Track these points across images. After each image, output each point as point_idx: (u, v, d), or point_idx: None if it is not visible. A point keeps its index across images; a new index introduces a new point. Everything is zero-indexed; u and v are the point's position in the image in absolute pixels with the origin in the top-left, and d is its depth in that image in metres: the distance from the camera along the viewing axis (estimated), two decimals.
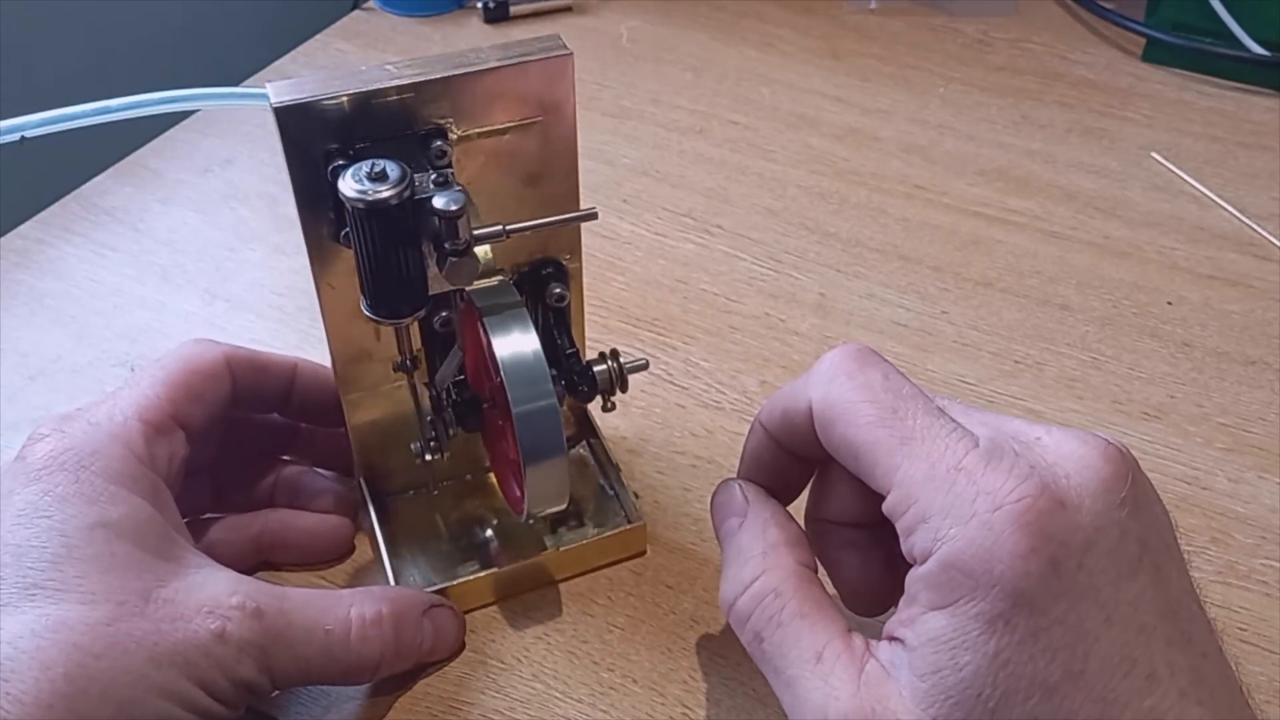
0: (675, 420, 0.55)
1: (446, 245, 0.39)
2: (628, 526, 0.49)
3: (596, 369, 0.45)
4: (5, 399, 0.56)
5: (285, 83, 0.39)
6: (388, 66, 0.40)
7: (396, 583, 0.46)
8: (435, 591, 0.45)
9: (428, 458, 0.46)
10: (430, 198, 0.39)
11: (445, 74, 0.40)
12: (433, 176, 0.40)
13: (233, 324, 0.60)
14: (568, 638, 0.46)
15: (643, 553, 0.49)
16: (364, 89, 0.39)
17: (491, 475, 0.51)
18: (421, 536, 0.49)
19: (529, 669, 0.45)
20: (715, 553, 0.49)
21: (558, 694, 0.44)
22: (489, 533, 0.50)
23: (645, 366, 0.46)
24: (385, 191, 0.38)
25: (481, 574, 0.47)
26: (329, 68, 0.79)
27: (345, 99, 0.39)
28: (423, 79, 0.40)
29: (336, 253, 0.42)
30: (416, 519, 0.50)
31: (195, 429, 0.44)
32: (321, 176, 0.40)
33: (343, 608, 0.41)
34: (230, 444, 0.48)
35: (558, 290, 0.45)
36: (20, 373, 0.58)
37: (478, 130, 0.42)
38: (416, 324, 0.43)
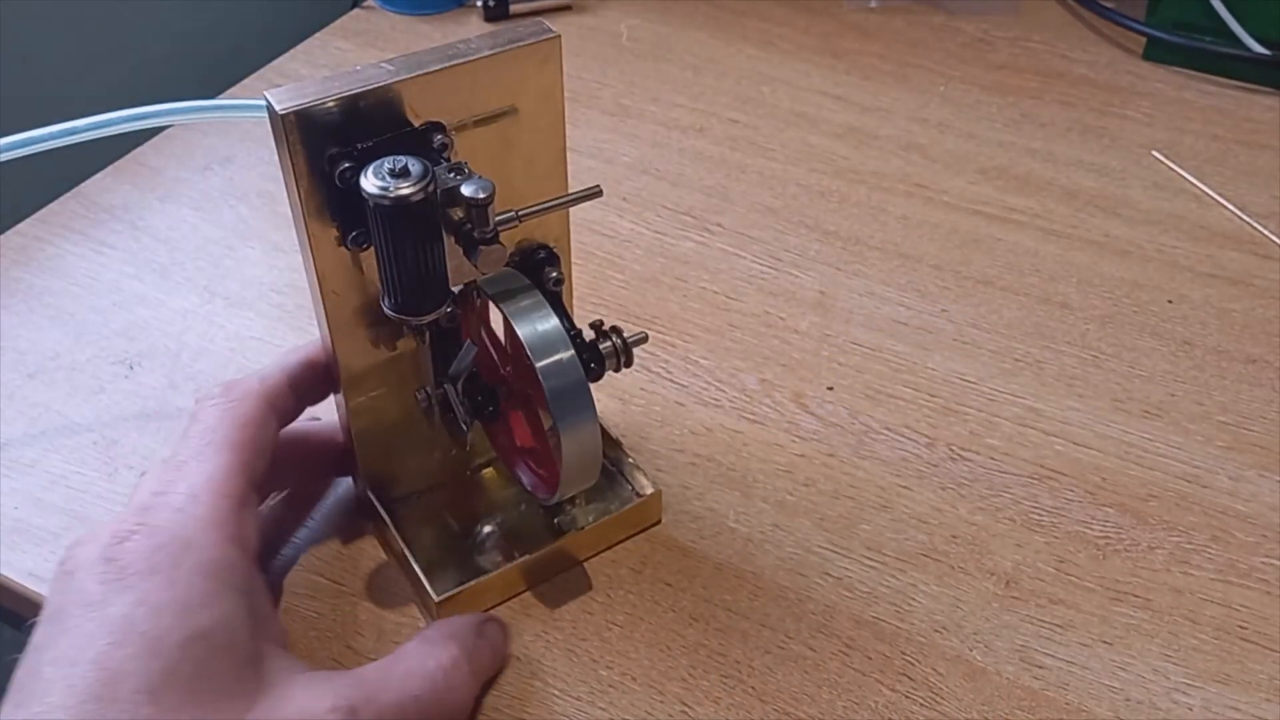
0: (674, 418, 0.55)
1: (476, 233, 0.40)
2: (644, 497, 0.49)
3: (601, 346, 0.45)
4: (4, 396, 0.56)
5: (282, 89, 0.39)
6: (383, 64, 0.40)
7: (429, 585, 0.46)
8: (469, 587, 0.46)
9: (453, 452, 0.46)
10: (455, 188, 0.39)
11: (442, 66, 0.40)
12: (447, 169, 0.40)
13: (231, 322, 0.60)
14: (566, 635, 0.46)
15: (658, 521, 0.50)
16: (364, 88, 0.39)
17: (483, 473, 0.51)
18: (436, 537, 0.49)
19: (527, 667, 0.45)
20: (715, 551, 0.49)
21: (556, 692, 0.44)
22: (493, 528, 0.50)
23: (645, 339, 0.46)
24: (408, 188, 0.38)
25: (511, 564, 0.47)
26: (328, 66, 0.79)
27: (346, 99, 0.39)
28: (421, 73, 0.40)
29: (342, 258, 0.42)
30: (426, 521, 0.49)
31: (262, 484, 0.43)
32: (328, 181, 0.40)
33: (418, 664, 0.41)
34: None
35: (555, 274, 0.45)
36: (19, 370, 0.58)
37: (474, 118, 0.42)
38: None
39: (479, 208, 0.39)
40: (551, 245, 0.46)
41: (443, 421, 0.46)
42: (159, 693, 0.35)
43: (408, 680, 0.41)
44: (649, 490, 0.50)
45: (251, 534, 0.41)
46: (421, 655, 0.42)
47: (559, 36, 0.42)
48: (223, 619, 0.38)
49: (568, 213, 0.46)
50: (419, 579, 0.46)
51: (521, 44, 0.42)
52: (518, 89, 0.42)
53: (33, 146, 0.52)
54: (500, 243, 0.40)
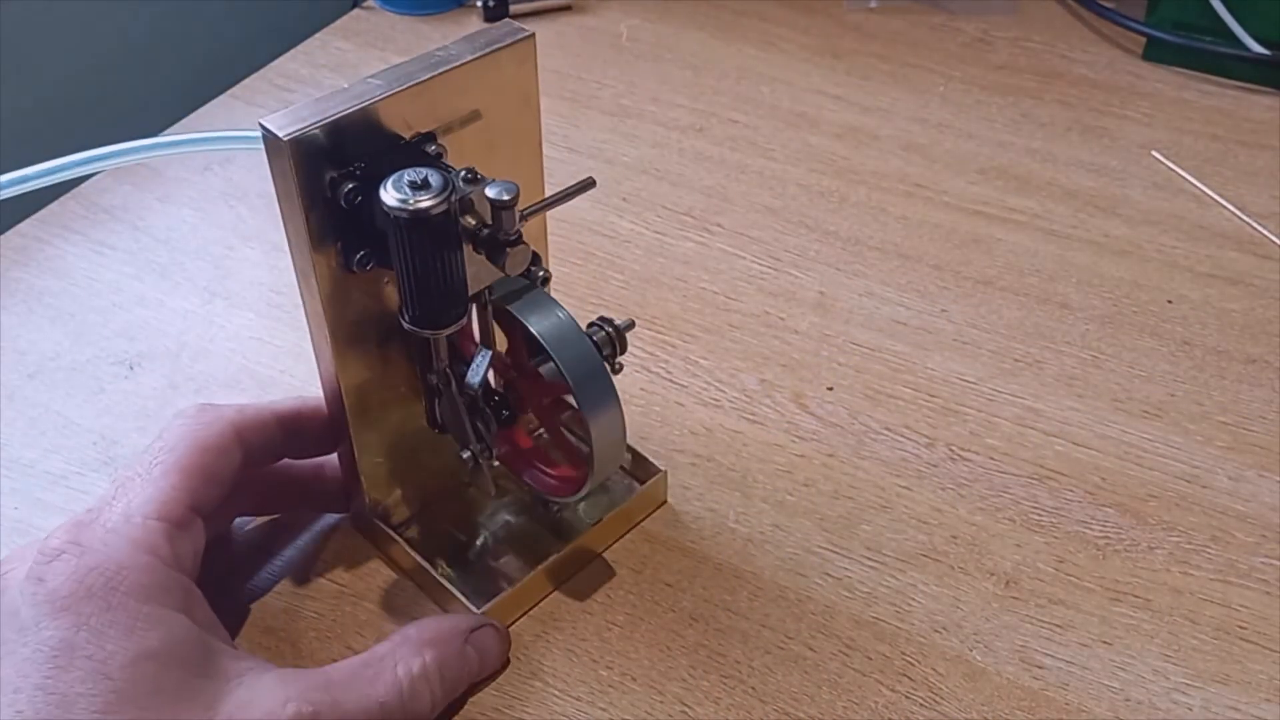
0: (674, 418, 0.55)
1: (500, 236, 0.40)
2: (650, 481, 0.50)
3: (596, 336, 0.45)
4: (4, 397, 0.56)
5: (276, 115, 0.38)
6: (369, 80, 0.40)
7: (467, 601, 0.46)
8: (506, 596, 0.46)
9: (484, 463, 0.46)
10: (472, 194, 0.39)
11: (430, 75, 0.40)
12: (462, 174, 0.40)
13: (231, 322, 0.60)
14: (566, 635, 0.46)
15: (665, 502, 0.50)
16: (359, 105, 0.39)
17: (473, 486, 0.51)
18: (448, 552, 0.49)
19: (527, 667, 0.45)
20: (714, 550, 0.49)
21: (556, 692, 0.44)
22: (500, 535, 0.49)
23: (632, 326, 0.46)
24: (430, 199, 0.38)
25: (540, 568, 0.47)
26: (328, 66, 0.79)
27: (344, 119, 0.38)
28: (411, 84, 0.40)
29: (344, 282, 0.42)
30: (433, 538, 0.49)
31: (211, 511, 0.42)
32: (329, 205, 0.39)
33: (388, 671, 0.41)
34: (233, 503, 0.46)
35: (542, 273, 0.45)
36: (19, 370, 0.58)
37: (459, 123, 0.42)
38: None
39: (506, 209, 0.39)
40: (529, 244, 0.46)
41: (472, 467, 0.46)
42: (114, 712, 0.35)
43: (375, 685, 0.40)
44: (654, 473, 0.50)
45: (187, 557, 0.40)
46: (393, 659, 0.41)
47: (533, 35, 0.42)
48: (168, 637, 0.37)
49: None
50: (453, 595, 0.46)
51: (501, 46, 0.42)
52: (498, 91, 0.43)
53: (26, 184, 0.52)
54: (525, 243, 0.40)
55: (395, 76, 0.40)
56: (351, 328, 0.43)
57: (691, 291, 0.62)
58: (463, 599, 0.46)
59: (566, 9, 0.85)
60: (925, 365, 0.57)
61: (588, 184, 0.44)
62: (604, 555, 0.49)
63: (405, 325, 0.42)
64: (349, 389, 0.44)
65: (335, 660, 0.45)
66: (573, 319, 0.42)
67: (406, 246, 0.39)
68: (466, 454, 0.45)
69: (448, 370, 0.44)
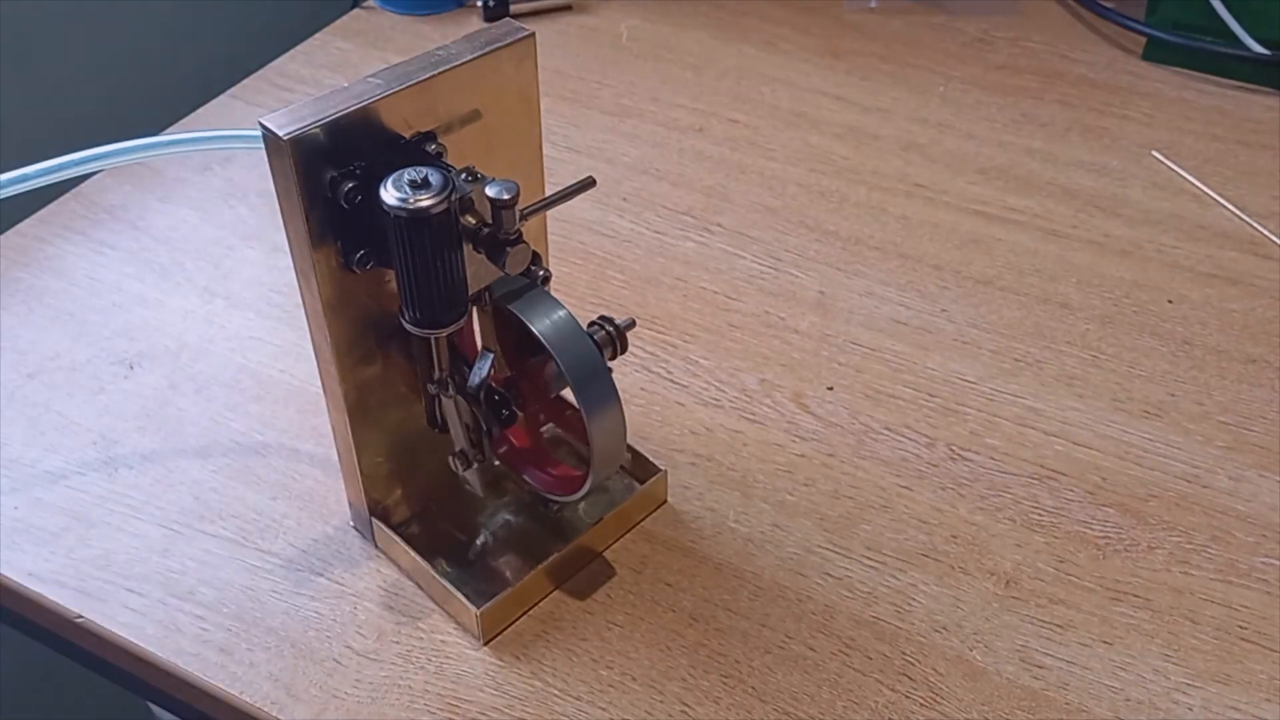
0: (674, 418, 0.55)
1: (500, 235, 0.40)
2: (650, 481, 0.50)
3: (596, 335, 0.45)
4: (4, 396, 0.56)
5: (276, 115, 0.38)
6: (369, 79, 0.40)
7: (465, 599, 0.45)
8: (506, 595, 0.46)
9: (474, 466, 0.46)
10: (472, 194, 0.39)
11: (429, 75, 0.40)
12: (462, 175, 0.40)
13: (231, 322, 0.60)
14: (566, 635, 0.46)
15: (665, 502, 0.50)
16: (359, 104, 0.39)
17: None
18: (449, 552, 0.49)
19: (527, 666, 0.45)
20: (714, 551, 0.49)
21: (556, 691, 0.44)
22: (500, 535, 0.49)
23: (633, 325, 0.46)
24: (430, 199, 0.38)
25: (540, 567, 0.47)
26: (328, 66, 0.79)
27: (344, 118, 0.39)
28: (410, 83, 0.40)
29: (345, 281, 0.42)
30: (434, 538, 0.49)
31: None
32: (329, 204, 0.39)
33: None
34: None
35: (542, 272, 0.45)
36: (19, 370, 0.58)
37: (459, 122, 0.42)
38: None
39: (506, 209, 0.39)
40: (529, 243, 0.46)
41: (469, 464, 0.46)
42: None
43: None
44: (654, 473, 0.50)
45: None
46: None
47: (533, 35, 0.43)
48: None
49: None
50: (452, 595, 0.46)
51: (500, 45, 0.42)
52: (498, 90, 0.43)
53: (26, 184, 0.52)
54: (525, 242, 0.40)
55: (395, 76, 0.40)
56: (351, 328, 0.43)
57: (691, 291, 0.62)
58: (463, 599, 0.46)
59: (566, 9, 0.85)
60: (925, 365, 0.57)
61: (588, 183, 0.44)
62: (604, 555, 0.49)
63: (405, 325, 0.42)
64: (349, 389, 0.44)
65: (334, 660, 0.45)
66: (573, 318, 0.42)
67: (406, 246, 0.39)
68: (458, 450, 0.45)
69: (449, 379, 0.44)
